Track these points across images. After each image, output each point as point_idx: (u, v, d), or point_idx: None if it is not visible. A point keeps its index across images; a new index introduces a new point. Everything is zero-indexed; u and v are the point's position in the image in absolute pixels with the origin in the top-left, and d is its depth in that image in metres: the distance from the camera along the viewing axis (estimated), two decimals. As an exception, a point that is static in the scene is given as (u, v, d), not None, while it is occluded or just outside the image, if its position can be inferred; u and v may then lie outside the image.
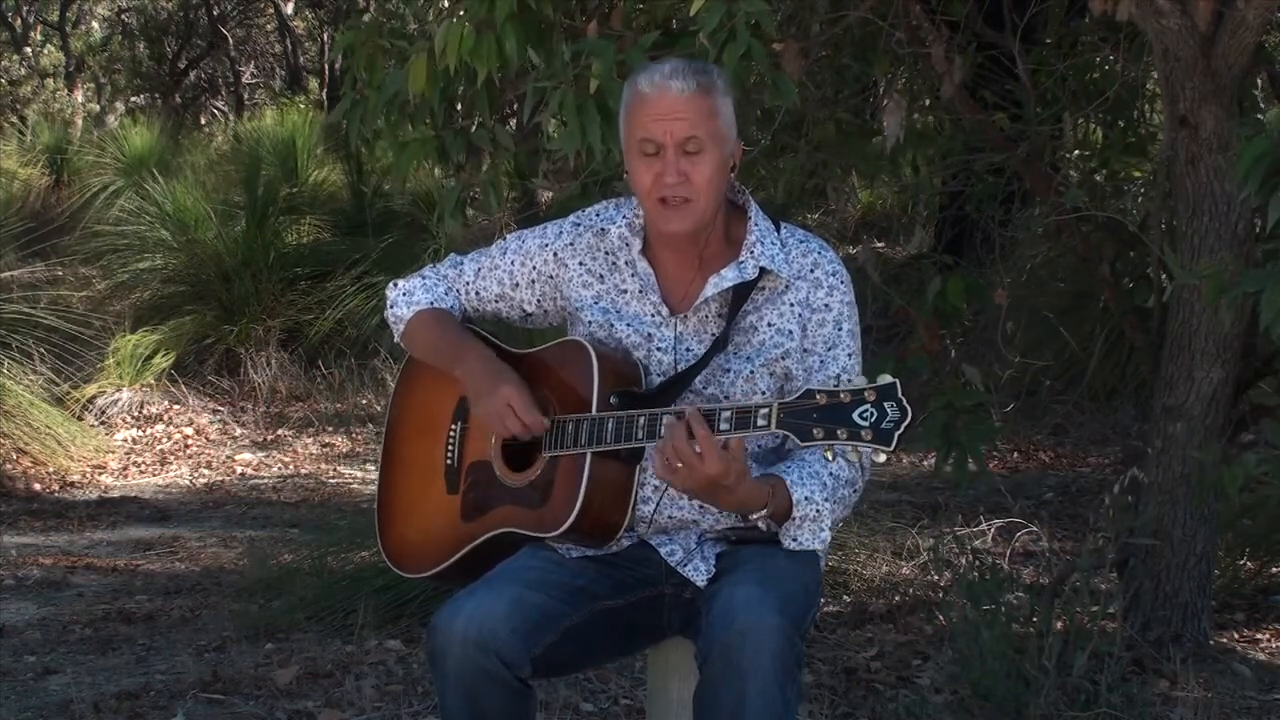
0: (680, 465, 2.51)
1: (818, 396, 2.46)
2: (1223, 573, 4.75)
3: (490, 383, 2.75)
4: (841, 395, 2.44)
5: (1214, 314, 3.97)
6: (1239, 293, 3.45)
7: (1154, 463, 4.16)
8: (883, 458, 2.44)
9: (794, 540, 2.66)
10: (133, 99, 21.67)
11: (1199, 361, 4.07)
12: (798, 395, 2.48)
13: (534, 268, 2.88)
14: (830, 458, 2.52)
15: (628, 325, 2.79)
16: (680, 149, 2.66)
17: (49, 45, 22.48)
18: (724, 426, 2.53)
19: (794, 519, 2.63)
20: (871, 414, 2.42)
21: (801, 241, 2.80)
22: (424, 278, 2.98)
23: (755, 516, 2.61)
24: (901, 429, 2.41)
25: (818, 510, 2.64)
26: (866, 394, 2.43)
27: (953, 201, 6.66)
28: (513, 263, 2.90)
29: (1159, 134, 4.85)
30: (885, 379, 2.44)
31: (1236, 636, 4.50)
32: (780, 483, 2.62)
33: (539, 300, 2.90)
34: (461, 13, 3.61)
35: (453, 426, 2.87)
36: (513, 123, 5.23)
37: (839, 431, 2.43)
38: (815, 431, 2.45)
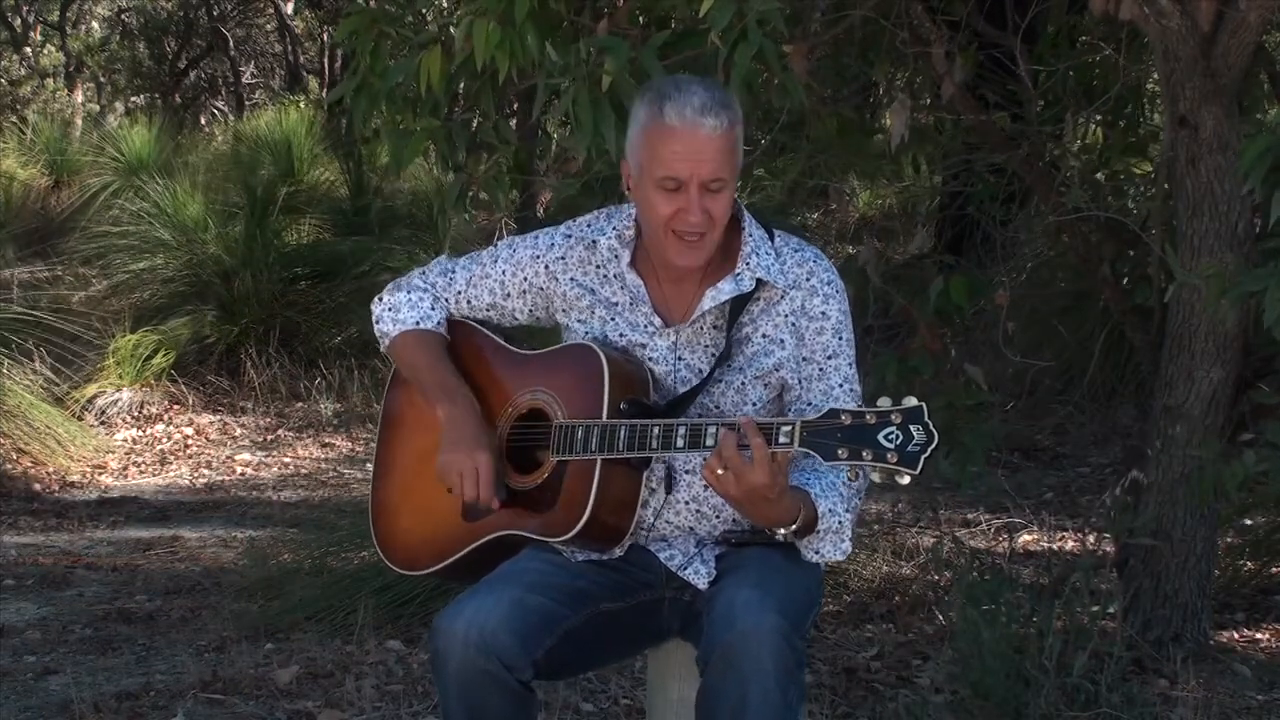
0: (723, 472, 2.48)
1: (842, 416, 2.43)
2: (1223, 573, 4.75)
3: (470, 441, 2.73)
4: (867, 416, 2.42)
5: (1214, 314, 3.97)
6: (1240, 292, 3.44)
7: (1154, 463, 4.16)
8: (907, 480, 2.42)
9: (816, 553, 2.65)
10: (133, 99, 21.65)
11: (1199, 361, 4.07)
12: (821, 414, 2.46)
13: (525, 278, 2.86)
14: (854, 478, 2.51)
15: (620, 337, 2.77)
16: (704, 187, 2.63)
17: (49, 45, 22.47)
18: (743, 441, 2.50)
19: (818, 532, 2.61)
20: (897, 436, 2.40)
21: (796, 250, 2.78)
22: (409, 290, 2.93)
23: (782, 531, 2.58)
24: (928, 453, 2.39)
25: (840, 522, 2.63)
26: (893, 416, 2.41)
27: (953, 201, 6.66)
28: (504, 272, 2.87)
29: (1159, 134, 4.84)
30: (911, 402, 2.42)
31: (1236, 636, 4.50)
32: (805, 495, 2.60)
33: (531, 309, 2.88)
34: (482, 11, 3.57)
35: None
36: (512, 122, 5.21)
37: (864, 453, 2.41)
38: (840, 451, 2.43)
